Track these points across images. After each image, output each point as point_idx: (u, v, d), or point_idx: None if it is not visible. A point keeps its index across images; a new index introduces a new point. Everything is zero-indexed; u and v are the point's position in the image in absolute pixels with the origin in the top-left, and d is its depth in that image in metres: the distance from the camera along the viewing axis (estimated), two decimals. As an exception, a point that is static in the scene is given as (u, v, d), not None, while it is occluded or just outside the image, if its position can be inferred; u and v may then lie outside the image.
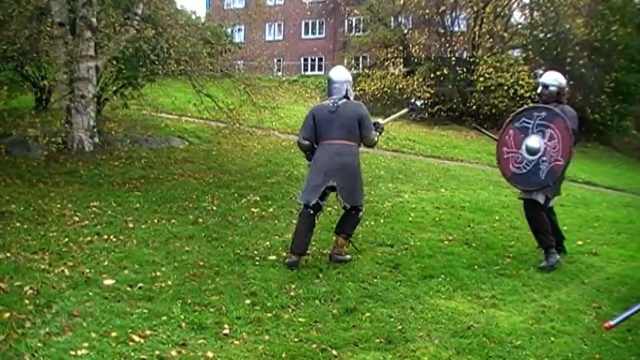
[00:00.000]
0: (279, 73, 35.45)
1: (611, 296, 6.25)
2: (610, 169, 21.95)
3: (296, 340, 4.59)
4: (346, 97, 7.05)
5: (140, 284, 5.45)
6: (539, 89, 7.58)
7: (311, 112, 7.00)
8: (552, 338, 4.98)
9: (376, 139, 7.13)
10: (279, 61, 38.46)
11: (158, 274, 5.80)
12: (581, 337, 5.06)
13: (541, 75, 26.26)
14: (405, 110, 8.40)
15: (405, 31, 30.44)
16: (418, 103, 8.28)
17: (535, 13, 30.75)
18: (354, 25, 36.64)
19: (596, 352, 4.78)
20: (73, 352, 4.07)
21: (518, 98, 26.06)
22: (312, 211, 6.71)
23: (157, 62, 10.90)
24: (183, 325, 4.67)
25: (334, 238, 6.96)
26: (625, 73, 28.04)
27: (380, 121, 7.48)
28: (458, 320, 5.25)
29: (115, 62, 11.54)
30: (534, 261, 7.30)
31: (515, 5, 30.72)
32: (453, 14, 29.33)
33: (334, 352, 4.43)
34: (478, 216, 9.65)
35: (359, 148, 6.97)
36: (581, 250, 7.97)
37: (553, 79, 7.46)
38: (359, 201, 6.89)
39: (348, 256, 6.85)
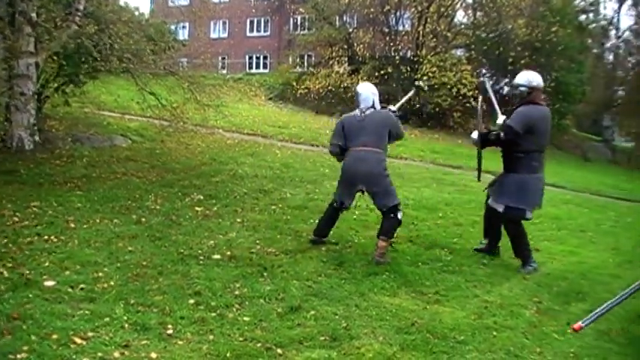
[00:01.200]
0: (224, 71, 35.22)
1: (551, 291, 6.39)
2: (551, 167, 22.22)
3: (241, 339, 4.57)
4: (373, 107, 7.43)
5: (82, 285, 5.35)
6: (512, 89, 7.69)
7: (341, 121, 7.63)
8: (495, 333, 5.07)
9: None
10: (224, 58, 38.20)
11: (100, 274, 5.69)
12: (522, 332, 5.17)
13: (484, 74, 26.64)
14: (411, 92, 9.16)
15: (350, 30, 30.59)
16: (421, 83, 9.04)
17: (478, 14, 31.23)
18: (299, 23, 36.62)
19: (537, 345, 4.89)
20: (12, 356, 3.98)
21: (461, 97, 26.44)
22: (340, 208, 7.44)
23: (99, 59, 10.71)
24: (126, 326, 4.60)
25: (376, 241, 7.10)
26: (565, 73, 28.69)
27: (392, 107, 7.76)
28: (402, 317, 5.29)
29: (55, 59, 11.28)
30: (477, 257, 7.42)
31: (458, 5, 31.14)
32: (397, 14, 29.59)
33: (279, 350, 4.43)
34: (422, 213, 9.74)
35: (385, 153, 7.38)
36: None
37: (524, 79, 7.40)
38: (392, 201, 7.18)
39: (386, 259, 7.01)
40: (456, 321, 5.28)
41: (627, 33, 45.17)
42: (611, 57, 45.35)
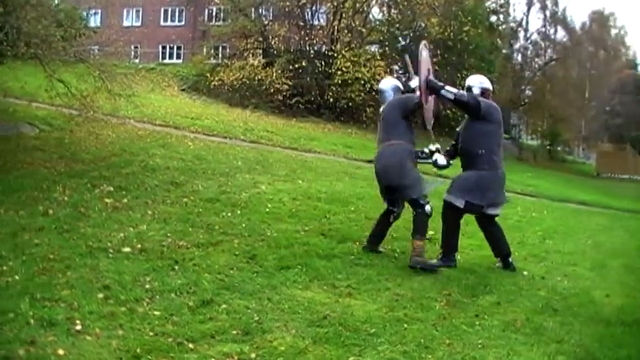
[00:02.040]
0: (137, 61, 34.54)
1: (460, 284, 6.53)
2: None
3: (151, 334, 4.48)
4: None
5: (-16, 279, 5.15)
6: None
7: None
8: (405, 325, 5.14)
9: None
10: (137, 47, 37.42)
11: (4, 268, 5.49)
12: (432, 324, 5.26)
13: (397, 71, 26.96)
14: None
15: (266, 23, 30.50)
16: None
17: (392, 11, 31.66)
18: (214, 14, 36.23)
19: (446, 337, 4.98)
20: None
21: (374, 92, 26.69)
22: (388, 211, 7.43)
23: (5, 43, 10.29)
24: (32, 321, 4.44)
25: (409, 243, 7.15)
26: (475, 71, 29.27)
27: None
28: (314, 310, 5.30)
29: (-43, 42, 10.82)
30: (388, 251, 7.51)
31: (373, 2, 31.54)
32: (313, 8, 29.73)
33: (190, 345, 4.37)
34: (334, 207, 9.79)
35: (405, 141, 7.28)
36: (432, 241, 8.25)
37: (476, 81, 7.58)
38: (411, 194, 7.10)
39: (432, 261, 7.07)
40: (368, 314, 5.34)
41: (535, 35, 46.73)
42: (519, 57, 46.71)
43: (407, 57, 8.10)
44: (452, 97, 7.18)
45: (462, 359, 4.58)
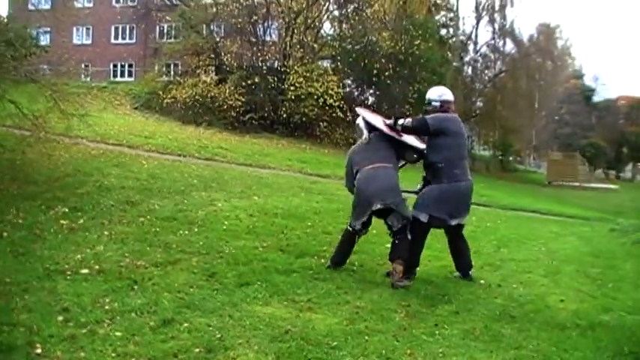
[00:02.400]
0: (88, 79, 34.19)
1: (419, 294, 6.62)
2: (414, 175, 23.04)
3: (113, 355, 4.46)
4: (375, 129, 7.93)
5: (-62, 306, 5.06)
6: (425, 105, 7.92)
7: (349, 157, 7.92)
8: (367, 337, 5.20)
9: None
10: (87, 66, 37.06)
11: (-41, 293, 5.42)
12: (393, 335, 5.33)
13: (349, 85, 27.11)
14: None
15: (218, 40, 30.47)
16: None
17: (344, 26, 31.85)
18: (165, 31, 36.15)
19: (407, 347, 5.05)
20: None
21: (327, 107, 26.90)
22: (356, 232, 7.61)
23: (-47, 64, 10.16)
24: (-10, 347, 4.38)
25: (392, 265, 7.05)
26: (427, 85, 29.51)
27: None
28: (276, 325, 5.33)
29: None
30: (346, 265, 7.56)
31: (325, 17, 31.71)
32: (265, 24, 29.81)
33: (154, 364, 4.36)
34: (291, 222, 9.82)
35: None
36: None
37: (436, 94, 7.75)
38: (408, 213, 7.22)
39: (405, 282, 6.95)
40: (329, 327, 5.38)
41: (484, 48, 47.41)
42: (469, 70, 47.32)
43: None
44: (400, 128, 7.51)
45: (423, 369, 4.64)
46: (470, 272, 7.59)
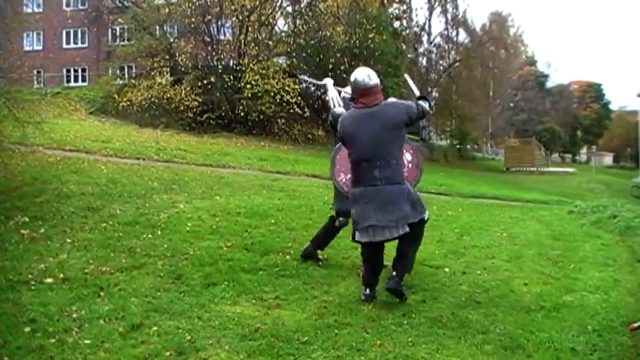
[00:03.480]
0: (41, 85, 33.67)
1: (385, 286, 6.64)
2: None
3: (83, 363, 4.43)
4: None
5: None
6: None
7: None
8: (336, 330, 5.23)
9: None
10: (39, 72, 36.50)
11: None
12: (362, 327, 5.37)
13: (305, 81, 27.14)
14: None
15: (171, 40, 30.26)
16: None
17: (298, 22, 31.85)
18: (118, 34, 35.74)
19: (377, 338, 5.10)
20: None
21: (284, 104, 26.91)
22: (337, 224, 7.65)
23: None
24: (-44, 362, 4.32)
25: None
26: (383, 77, 29.84)
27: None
28: (245, 324, 5.33)
29: None
30: (312, 260, 7.59)
31: (278, 14, 31.68)
32: (219, 23, 29.68)
33: (125, 370, 4.34)
34: (254, 220, 9.81)
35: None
36: (355, 245, 8.31)
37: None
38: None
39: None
40: (298, 323, 5.40)
41: (438, 38, 47.84)
42: (424, 61, 47.68)
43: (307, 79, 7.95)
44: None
45: (393, 358, 4.70)
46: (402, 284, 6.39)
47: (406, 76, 7.70)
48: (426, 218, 6.36)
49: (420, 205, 6.24)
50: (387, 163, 5.96)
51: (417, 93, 6.76)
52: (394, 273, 6.20)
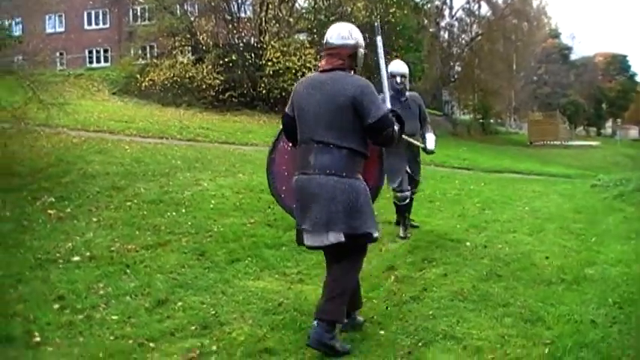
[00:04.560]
0: (63, 67, 33.85)
1: (406, 260, 6.75)
2: (396, 143, 23.17)
3: (111, 338, 4.55)
4: None
5: None
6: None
7: None
8: (358, 304, 5.30)
9: None
10: (62, 54, 36.69)
11: (-46, 289, 5.48)
12: (383, 300, 5.47)
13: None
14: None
15: (192, 19, 30.23)
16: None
17: (318, -2, 31.64)
18: (139, 14, 35.74)
19: (397, 311, 5.21)
20: None
21: (308, 81, 26.81)
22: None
23: None
24: (-10, 338, 4.45)
25: None
26: (404, 52, 29.66)
27: None
28: (268, 299, 5.44)
29: None
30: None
31: (299, -10, 31.49)
32: (239, 0, 29.55)
33: (151, 344, 4.45)
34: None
35: None
36: (376, 221, 8.41)
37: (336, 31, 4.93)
38: None
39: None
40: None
41: (460, 12, 47.42)
42: (446, 35, 47.35)
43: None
44: None
45: (414, 331, 4.75)
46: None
47: (383, 73, 5.35)
48: (374, 236, 4.64)
49: (370, 218, 4.61)
50: (325, 147, 4.49)
51: (388, 104, 4.92)
52: (315, 319, 4.49)
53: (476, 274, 6.26)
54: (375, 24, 5.72)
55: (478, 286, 5.88)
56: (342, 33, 4.74)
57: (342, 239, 4.43)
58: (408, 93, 7.94)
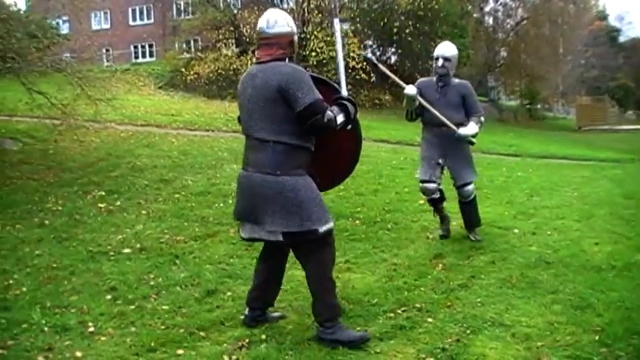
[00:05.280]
0: (109, 63, 34.36)
1: (454, 248, 6.73)
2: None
3: (163, 327, 4.62)
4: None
5: (-7, 295, 5.25)
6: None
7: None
8: (406, 292, 5.32)
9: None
10: (107, 50, 37.23)
11: (11, 282, 5.61)
12: (431, 288, 5.45)
13: (370, 46, 26.87)
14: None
15: (235, 12, 30.41)
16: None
17: (361, -14, 31.54)
18: (182, 8, 36.12)
19: (445, 299, 5.18)
20: None
21: (350, 70, 26.78)
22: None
23: (-20, 61, 10.32)
24: (46, 329, 4.57)
25: None
26: (449, 39, 29.36)
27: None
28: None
29: None
30: (381, 224, 7.68)
31: (341, -21, 31.39)
32: (282, -9, 29.65)
33: (202, 333, 4.51)
34: (324, 187, 9.92)
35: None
36: (424, 209, 8.39)
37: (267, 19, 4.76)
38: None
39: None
40: (368, 286, 5.52)
41: (505, -4, 46.74)
42: (490, 20, 46.76)
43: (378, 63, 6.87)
44: None
45: (462, 318, 4.74)
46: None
47: (339, 57, 5.18)
48: (320, 231, 4.36)
49: (314, 213, 4.35)
50: (260, 143, 4.38)
51: (344, 91, 4.92)
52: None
53: (524, 261, 6.22)
54: (332, 5, 5.58)
55: (526, 273, 5.84)
56: (279, 21, 4.60)
57: (280, 238, 4.37)
58: (456, 80, 7.07)
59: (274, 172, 4.30)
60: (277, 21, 4.57)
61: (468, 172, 7.05)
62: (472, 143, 6.87)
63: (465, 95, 6.99)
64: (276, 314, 4.89)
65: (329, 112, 4.34)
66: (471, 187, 7.01)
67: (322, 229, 4.36)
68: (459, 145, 6.88)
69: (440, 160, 6.96)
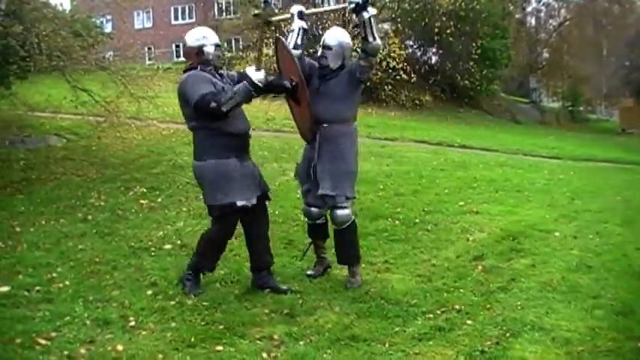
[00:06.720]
0: (152, 61, 34.69)
1: (494, 250, 6.68)
2: (483, 132, 22.98)
3: (202, 323, 4.67)
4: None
5: (37, 287, 5.33)
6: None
7: None
8: (445, 294, 5.31)
9: None
10: (150, 49, 37.60)
11: (54, 275, 5.70)
12: (471, 290, 5.43)
13: (411, 46, 26.68)
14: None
15: (276, 11, 30.43)
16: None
17: (402, -14, 31.43)
18: (224, 7, 36.34)
19: (485, 302, 5.17)
20: (-24, 365, 4.01)
21: (390, 70, 26.71)
22: None
23: (27, 59, 10.50)
24: (88, 322, 4.64)
25: None
26: (490, 39, 29.23)
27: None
28: (355, 287, 5.47)
29: (-19, 62, 11.00)
30: (421, 225, 7.66)
31: (382, -20, 31.34)
32: (323, -9, 29.67)
33: (241, 330, 4.55)
34: (363, 187, 9.87)
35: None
36: (464, 210, 8.39)
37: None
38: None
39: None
40: (407, 286, 5.51)
41: (547, -3, 46.22)
42: (533, 21, 46.30)
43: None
44: None
45: (502, 321, 4.72)
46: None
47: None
48: (213, 206, 5.33)
49: (209, 193, 5.40)
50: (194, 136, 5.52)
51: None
52: None
53: (565, 265, 6.16)
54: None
55: (567, 277, 5.79)
56: (196, 35, 5.65)
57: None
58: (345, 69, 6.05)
59: (194, 157, 5.60)
60: (193, 34, 5.72)
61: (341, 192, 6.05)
62: None
63: (351, 73, 6.09)
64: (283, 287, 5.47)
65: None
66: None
67: (215, 203, 5.35)
68: (343, 156, 6.30)
69: (312, 173, 6.11)
